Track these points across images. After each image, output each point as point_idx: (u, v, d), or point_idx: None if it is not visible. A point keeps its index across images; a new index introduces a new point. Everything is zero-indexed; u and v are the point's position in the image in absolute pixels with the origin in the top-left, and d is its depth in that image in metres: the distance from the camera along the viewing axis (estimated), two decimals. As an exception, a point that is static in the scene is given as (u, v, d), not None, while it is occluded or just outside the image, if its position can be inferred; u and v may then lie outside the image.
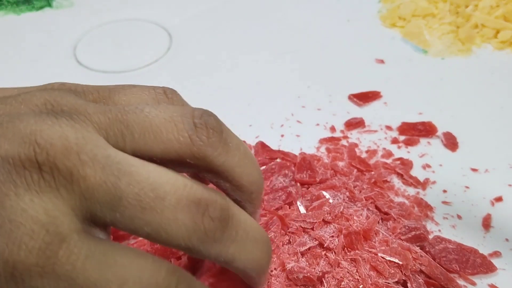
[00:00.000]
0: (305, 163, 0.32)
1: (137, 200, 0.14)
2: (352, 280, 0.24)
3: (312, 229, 0.26)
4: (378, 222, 0.28)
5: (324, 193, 0.29)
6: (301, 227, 0.27)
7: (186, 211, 0.15)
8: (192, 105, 0.20)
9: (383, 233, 0.26)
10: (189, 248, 0.15)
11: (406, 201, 0.30)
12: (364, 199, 0.29)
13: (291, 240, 0.26)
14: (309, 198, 0.29)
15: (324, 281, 0.24)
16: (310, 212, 0.27)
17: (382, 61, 0.46)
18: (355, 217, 0.27)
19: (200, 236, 0.15)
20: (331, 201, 0.28)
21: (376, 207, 0.29)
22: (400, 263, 0.24)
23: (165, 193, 0.14)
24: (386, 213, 0.29)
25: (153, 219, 0.14)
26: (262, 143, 0.35)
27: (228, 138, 0.17)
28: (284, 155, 0.34)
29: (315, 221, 0.26)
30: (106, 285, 0.13)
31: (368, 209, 0.28)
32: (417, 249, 0.26)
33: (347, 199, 0.29)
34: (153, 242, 0.16)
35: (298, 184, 0.31)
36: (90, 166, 0.14)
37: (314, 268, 0.24)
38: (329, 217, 0.26)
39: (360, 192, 0.30)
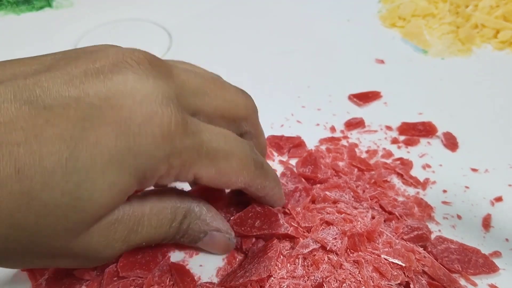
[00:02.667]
0: (311, 158, 0.32)
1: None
2: (354, 282, 0.23)
3: (308, 231, 0.26)
4: (384, 221, 0.28)
5: (329, 194, 0.29)
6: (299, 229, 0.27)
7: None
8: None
9: (387, 235, 0.26)
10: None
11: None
12: (369, 199, 0.29)
13: (293, 244, 0.26)
14: (312, 200, 0.29)
15: (325, 285, 0.23)
16: (305, 215, 0.27)
17: (382, 61, 0.46)
18: (359, 219, 0.26)
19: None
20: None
21: (380, 206, 0.29)
22: (404, 265, 0.24)
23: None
24: (390, 212, 0.28)
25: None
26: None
27: None
28: (299, 144, 0.35)
29: (311, 225, 0.26)
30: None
31: (373, 208, 0.28)
32: (421, 249, 0.26)
33: (353, 199, 0.29)
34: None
35: (303, 179, 0.31)
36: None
37: (314, 275, 0.24)
38: (332, 218, 0.26)
39: (364, 192, 0.30)
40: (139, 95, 0.17)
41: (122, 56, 0.18)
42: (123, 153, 0.17)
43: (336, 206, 0.28)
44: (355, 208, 0.28)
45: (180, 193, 0.23)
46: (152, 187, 0.21)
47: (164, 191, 0.23)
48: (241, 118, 0.23)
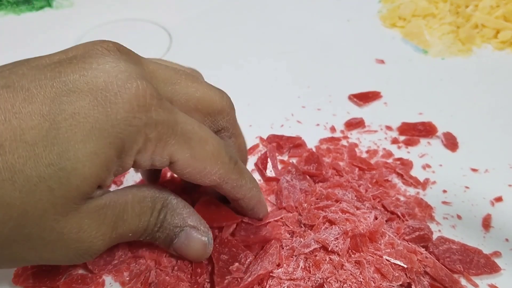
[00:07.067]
0: (314, 157, 0.32)
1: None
2: (355, 283, 0.23)
3: (311, 229, 0.26)
4: (386, 222, 0.28)
5: (331, 191, 0.29)
6: (301, 228, 0.27)
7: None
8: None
9: (389, 235, 0.26)
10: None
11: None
12: (372, 198, 0.29)
13: (295, 242, 0.26)
14: (316, 197, 0.29)
15: (325, 286, 0.23)
16: (310, 211, 0.27)
17: (382, 61, 0.46)
18: (361, 219, 0.26)
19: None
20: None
21: (383, 206, 0.29)
22: (405, 266, 0.24)
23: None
24: (392, 212, 0.28)
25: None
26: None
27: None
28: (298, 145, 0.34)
29: (312, 223, 0.26)
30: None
31: (376, 208, 0.28)
32: (422, 250, 0.26)
33: (355, 198, 0.29)
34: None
35: (308, 176, 0.31)
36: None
37: (315, 276, 0.24)
38: (335, 216, 0.26)
39: (366, 191, 0.30)
40: (113, 71, 0.18)
41: (92, 46, 0.19)
42: (101, 122, 0.17)
43: (339, 205, 0.28)
44: (358, 208, 0.28)
45: (159, 187, 0.23)
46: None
47: (143, 184, 0.23)
48: (216, 111, 0.23)
